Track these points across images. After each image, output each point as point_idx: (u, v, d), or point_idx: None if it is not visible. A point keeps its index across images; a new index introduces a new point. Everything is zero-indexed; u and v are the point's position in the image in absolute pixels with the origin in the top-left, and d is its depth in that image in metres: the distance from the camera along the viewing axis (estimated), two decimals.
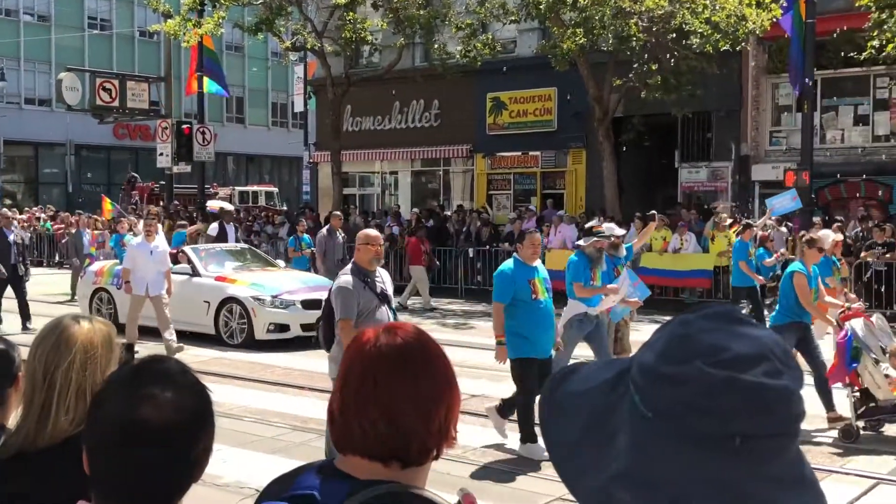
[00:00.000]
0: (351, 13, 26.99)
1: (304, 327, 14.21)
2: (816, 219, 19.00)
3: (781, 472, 1.04)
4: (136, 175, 38.37)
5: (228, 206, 20.12)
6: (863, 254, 17.76)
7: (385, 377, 1.65)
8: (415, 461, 1.64)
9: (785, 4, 20.28)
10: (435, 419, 1.65)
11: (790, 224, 19.43)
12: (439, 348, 1.74)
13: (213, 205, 27.43)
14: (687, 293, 19.77)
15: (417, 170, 32.61)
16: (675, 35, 21.47)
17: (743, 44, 21.98)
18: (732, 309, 1.12)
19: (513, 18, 24.21)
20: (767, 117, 25.21)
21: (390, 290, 7.34)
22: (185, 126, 28.38)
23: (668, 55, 21.97)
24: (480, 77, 27.42)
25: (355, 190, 33.57)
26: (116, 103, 27.60)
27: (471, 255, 22.49)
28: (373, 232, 7.61)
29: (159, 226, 15.61)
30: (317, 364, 11.23)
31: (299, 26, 28.53)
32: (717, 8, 20.89)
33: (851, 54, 21.11)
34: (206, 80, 28.78)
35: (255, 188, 42.31)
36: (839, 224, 18.78)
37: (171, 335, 13.36)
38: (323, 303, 7.64)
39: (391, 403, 1.63)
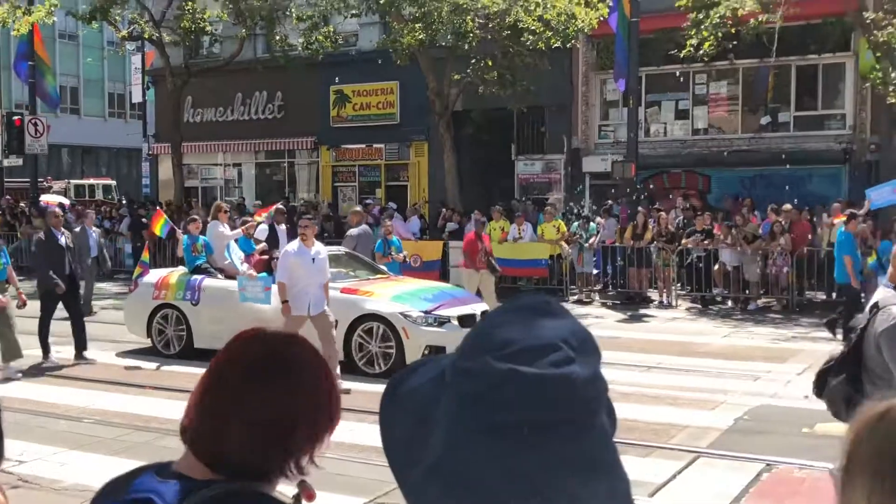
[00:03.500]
0: (190, 3, 26.65)
1: None
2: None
3: (573, 458, 1.07)
4: None
5: (280, 206, 17.16)
6: (684, 240, 18.93)
7: (239, 384, 1.59)
8: (260, 476, 1.59)
9: (611, 4, 21.26)
10: (290, 435, 1.58)
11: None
12: (312, 360, 1.66)
13: (47, 199, 26.58)
14: (524, 281, 20.58)
15: (262, 162, 32.41)
16: (509, 32, 22.23)
17: (573, 41, 22.94)
18: (539, 301, 1.17)
19: (354, 12, 24.42)
20: (596, 112, 26.37)
21: None
22: (15, 117, 27.39)
23: (503, 51, 22.77)
24: (323, 69, 27.54)
25: (197, 182, 33.05)
26: None
27: None
28: None
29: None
30: None
31: (136, 15, 27.95)
32: (549, 6, 21.77)
33: (672, 52, 22.40)
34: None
35: (92, 181, 41.06)
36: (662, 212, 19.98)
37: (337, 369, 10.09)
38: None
39: (236, 411, 1.57)
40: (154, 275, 13.70)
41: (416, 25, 22.75)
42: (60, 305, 12.57)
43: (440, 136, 24.66)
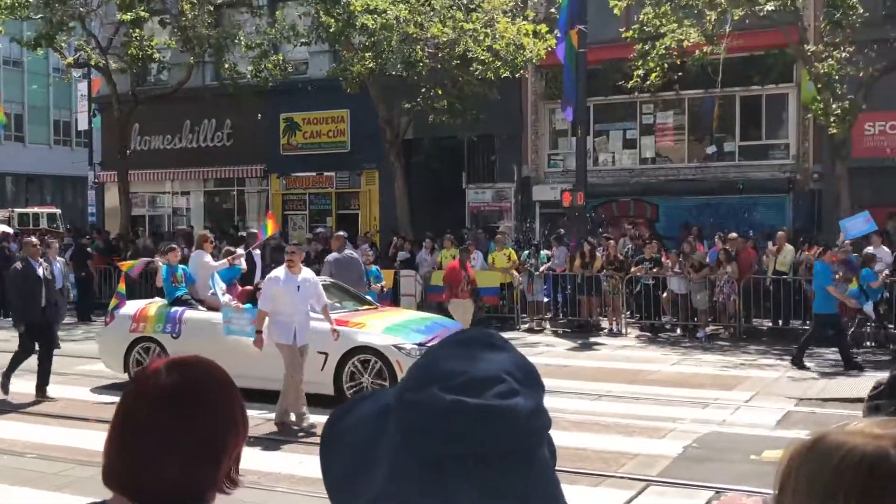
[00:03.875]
0: (137, 30, 26.47)
1: None
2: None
3: (516, 490, 1.07)
4: None
5: (253, 230, 16.32)
6: (633, 268, 19.10)
7: (151, 416, 1.58)
8: (196, 498, 1.59)
9: (559, 35, 21.52)
10: (199, 463, 1.58)
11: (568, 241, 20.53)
12: (224, 388, 1.65)
13: None
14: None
15: (210, 190, 32.15)
16: (459, 62, 22.41)
17: (522, 71, 23.18)
18: (481, 333, 1.18)
19: (303, 41, 24.47)
20: (546, 141, 26.61)
21: None
22: None
23: (453, 81, 22.91)
24: (273, 97, 27.46)
25: (144, 211, 32.66)
26: None
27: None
28: None
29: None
30: None
31: (82, 42, 27.66)
32: (498, 37, 21.99)
33: (620, 83, 22.71)
34: None
35: (37, 210, 40.24)
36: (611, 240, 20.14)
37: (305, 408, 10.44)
38: None
39: (156, 444, 1.56)
40: (131, 306, 13.07)
41: (367, 54, 22.83)
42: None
43: (391, 164, 24.69)
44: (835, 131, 19.41)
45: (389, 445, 1.10)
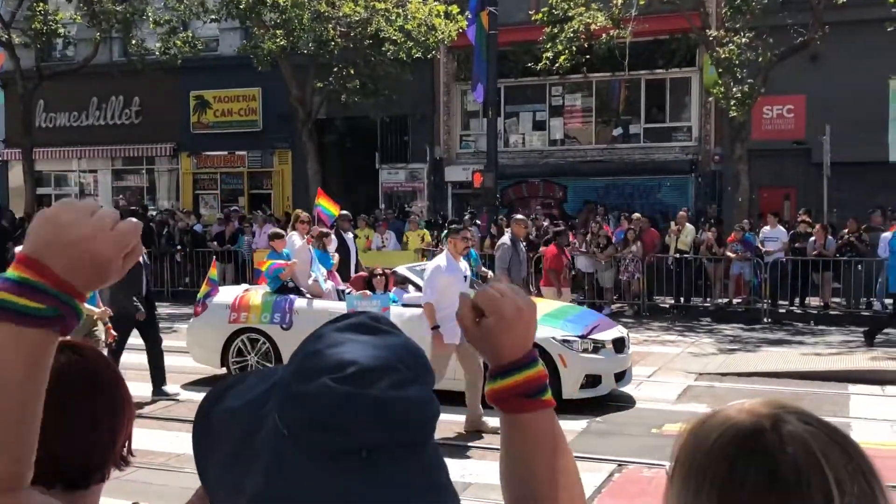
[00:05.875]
0: (41, 4, 25.80)
1: (616, 378, 10.53)
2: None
3: (410, 481, 1.05)
4: None
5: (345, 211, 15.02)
6: (542, 248, 19.50)
7: (49, 397, 1.64)
8: (79, 483, 1.61)
9: (470, 16, 21.75)
10: (95, 442, 1.62)
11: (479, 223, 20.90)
12: (107, 369, 1.69)
13: None
14: None
15: (119, 168, 31.57)
16: (371, 41, 22.48)
17: (434, 52, 23.36)
18: (368, 319, 1.14)
19: (213, 17, 24.14)
20: (457, 122, 26.89)
21: None
22: None
23: (365, 60, 22.97)
24: (183, 74, 27.05)
25: (51, 190, 31.86)
26: None
27: (178, 259, 22.22)
28: None
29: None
30: None
31: None
32: (409, 17, 22.12)
33: (530, 64, 23.08)
34: None
35: None
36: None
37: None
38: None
39: (43, 426, 1.62)
40: (226, 294, 11.81)
41: (278, 32, 22.70)
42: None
43: (303, 144, 24.63)
44: (735, 114, 20.07)
45: (272, 439, 1.05)
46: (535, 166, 25.62)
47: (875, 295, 17.58)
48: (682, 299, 18.77)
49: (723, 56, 20.04)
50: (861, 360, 12.84)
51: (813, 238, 17.95)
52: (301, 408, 1.03)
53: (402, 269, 11.88)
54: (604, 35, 21.42)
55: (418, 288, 10.80)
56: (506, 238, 13.03)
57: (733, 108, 19.99)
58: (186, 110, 29.01)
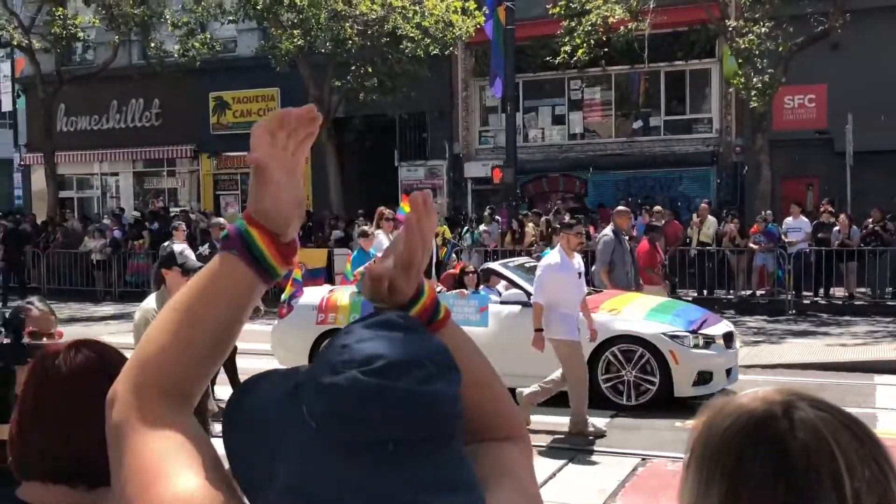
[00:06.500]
0: (60, 8, 25.99)
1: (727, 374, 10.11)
2: None
3: (435, 475, 1.07)
4: None
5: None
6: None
7: (57, 397, 1.63)
8: (101, 480, 1.56)
9: (487, 11, 21.72)
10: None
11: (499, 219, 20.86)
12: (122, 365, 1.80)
13: None
14: None
15: (140, 171, 31.74)
16: (388, 39, 22.48)
17: (451, 48, 23.34)
18: (396, 317, 1.16)
19: (231, 18, 24.27)
20: (476, 118, 26.82)
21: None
22: None
23: (383, 58, 22.98)
24: (202, 76, 27.15)
25: (73, 193, 32.13)
26: None
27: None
28: None
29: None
30: None
31: (4, 21, 27.03)
32: (427, 14, 22.11)
33: (548, 59, 23.01)
34: None
35: None
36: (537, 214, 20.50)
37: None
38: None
39: (65, 423, 1.61)
40: (312, 295, 11.47)
41: (295, 32, 22.75)
42: None
43: (322, 143, 24.65)
44: (756, 105, 19.94)
45: (300, 431, 1.07)
46: (555, 161, 25.52)
47: None
48: (704, 292, 18.66)
49: (742, 46, 19.90)
50: (887, 350, 12.72)
51: (837, 228, 17.79)
52: (330, 400, 1.05)
53: (495, 265, 11.62)
54: (622, 27, 21.34)
55: (514, 284, 10.63)
56: (608, 230, 12.45)
57: (754, 98, 19.84)
58: (206, 112, 29.13)
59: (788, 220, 18.53)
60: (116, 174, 32.04)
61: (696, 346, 9.81)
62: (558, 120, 26.11)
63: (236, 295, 1.23)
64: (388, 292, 1.30)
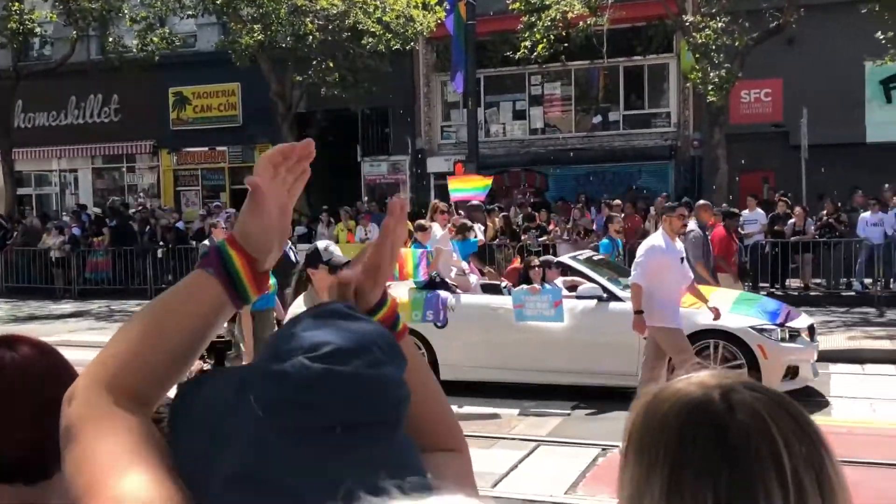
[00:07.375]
0: (17, 3, 25.64)
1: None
2: None
3: (384, 458, 1.08)
4: None
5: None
6: (523, 236, 19.61)
7: (18, 391, 1.60)
8: (39, 476, 1.58)
9: (448, 6, 21.76)
10: (49, 433, 1.50)
11: None
12: (58, 363, 1.67)
13: None
14: None
15: (99, 167, 31.42)
16: (349, 34, 22.47)
17: (413, 43, 23.37)
18: (342, 306, 1.19)
19: (190, 13, 24.09)
20: (438, 113, 26.89)
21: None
22: None
23: (344, 53, 22.96)
24: (161, 71, 26.87)
25: (31, 190, 31.73)
26: None
27: (159, 255, 22.16)
28: None
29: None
30: None
31: None
32: (388, 9, 22.13)
33: (508, 54, 23.13)
34: None
35: None
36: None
37: None
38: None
39: (24, 418, 1.58)
40: None
41: (255, 26, 22.67)
42: None
43: (284, 138, 24.56)
44: (713, 99, 20.14)
45: (247, 421, 1.07)
46: (516, 156, 25.67)
47: (854, 275, 17.75)
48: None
49: (699, 41, 20.11)
50: (840, 339, 12.99)
51: (792, 220, 18.08)
52: (277, 386, 1.06)
53: (565, 259, 11.31)
54: (581, 23, 21.49)
55: (587, 278, 10.42)
56: (694, 224, 11.98)
57: (711, 92, 20.06)
58: (166, 107, 28.91)
59: (745, 212, 18.82)
60: (76, 170, 31.68)
61: (782, 339, 9.54)
62: (519, 115, 26.24)
63: (205, 312, 1.25)
64: (354, 297, 1.33)
